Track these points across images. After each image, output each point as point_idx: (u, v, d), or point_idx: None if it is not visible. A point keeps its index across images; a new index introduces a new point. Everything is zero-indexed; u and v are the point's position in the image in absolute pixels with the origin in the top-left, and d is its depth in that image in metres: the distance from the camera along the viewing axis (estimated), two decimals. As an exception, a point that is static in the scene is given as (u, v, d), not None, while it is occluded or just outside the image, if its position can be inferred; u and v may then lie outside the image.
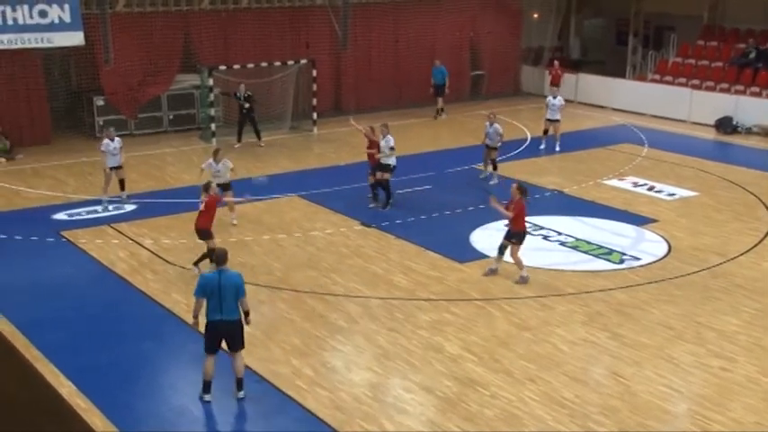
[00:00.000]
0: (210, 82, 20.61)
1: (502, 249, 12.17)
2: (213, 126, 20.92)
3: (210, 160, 14.37)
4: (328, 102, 24.07)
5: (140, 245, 13.52)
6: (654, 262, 12.96)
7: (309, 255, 13.37)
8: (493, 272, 12.22)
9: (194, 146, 20.80)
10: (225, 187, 14.14)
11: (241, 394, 8.91)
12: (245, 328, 8.86)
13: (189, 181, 17.40)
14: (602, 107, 25.30)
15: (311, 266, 12.84)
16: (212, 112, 20.91)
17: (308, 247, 13.76)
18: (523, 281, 11.95)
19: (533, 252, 13.25)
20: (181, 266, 12.72)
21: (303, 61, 22.10)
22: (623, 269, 12.68)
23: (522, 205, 11.85)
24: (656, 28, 27.53)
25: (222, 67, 20.91)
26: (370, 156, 15.70)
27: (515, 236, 12.00)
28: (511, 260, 12.09)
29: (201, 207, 11.90)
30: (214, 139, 20.85)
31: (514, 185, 12.12)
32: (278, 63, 21.80)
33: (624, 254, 13.24)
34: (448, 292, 11.84)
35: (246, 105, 20.07)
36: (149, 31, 21.22)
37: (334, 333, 10.52)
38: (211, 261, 10.66)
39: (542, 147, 20.24)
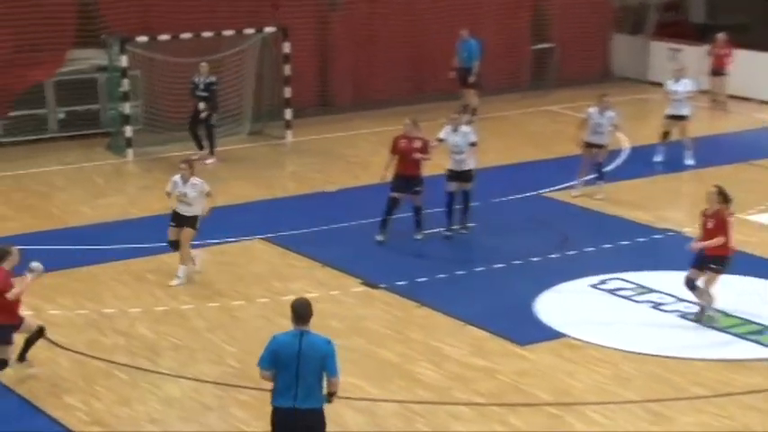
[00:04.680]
0: (124, 61, 20.82)
1: (692, 283, 13.20)
2: (129, 130, 21.12)
3: (177, 177, 14.62)
4: (309, 93, 24.33)
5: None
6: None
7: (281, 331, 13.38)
8: (702, 316, 13.32)
9: (98, 161, 20.87)
10: (186, 222, 14.52)
11: None
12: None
13: (93, 217, 17.45)
14: (744, 98, 25.37)
15: (285, 351, 12.86)
16: (127, 108, 21.12)
17: (279, 319, 13.63)
18: (710, 322, 13.18)
19: (637, 328, 13.10)
20: (77, 351, 12.71)
21: (269, 29, 22.34)
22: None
23: (727, 219, 12.95)
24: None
25: (141, 39, 21.19)
26: (410, 164, 15.96)
27: (717, 262, 12.96)
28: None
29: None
30: (129, 151, 21.04)
31: (713, 190, 13.09)
32: (229, 32, 22.07)
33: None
34: (501, 392, 11.76)
35: (201, 103, 20.25)
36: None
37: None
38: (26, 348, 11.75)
39: (658, 159, 20.40)
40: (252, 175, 20.10)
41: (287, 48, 22.26)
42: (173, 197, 14.74)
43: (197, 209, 14.64)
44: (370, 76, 25.01)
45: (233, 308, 14.03)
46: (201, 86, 20.36)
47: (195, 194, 14.55)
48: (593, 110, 18.15)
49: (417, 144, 16.10)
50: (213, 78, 20.52)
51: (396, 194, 16.14)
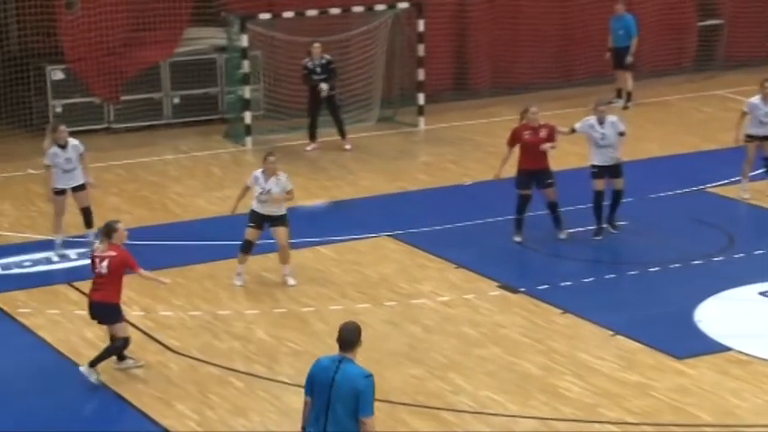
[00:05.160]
0: (244, 41, 21.15)
1: None
2: (248, 116, 21.47)
3: (258, 172, 14.75)
4: (445, 75, 24.34)
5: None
6: None
7: (411, 339, 13.42)
8: None
9: (217, 149, 21.26)
10: (275, 222, 14.59)
11: None
12: None
13: (209, 211, 17.80)
14: None
15: (414, 360, 12.88)
16: (247, 92, 21.45)
17: (408, 325, 13.81)
18: None
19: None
20: (190, 356, 13.00)
21: (402, 5, 22.42)
22: None
23: None
24: None
25: (264, 16, 21.49)
26: (538, 157, 15.91)
27: None
28: None
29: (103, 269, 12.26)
30: (248, 139, 21.38)
31: None
32: (359, 8, 22.22)
33: None
34: (656, 411, 11.64)
35: (324, 84, 20.45)
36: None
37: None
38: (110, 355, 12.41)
39: None
40: (380, 166, 20.22)
41: (421, 26, 22.29)
42: (251, 193, 14.71)
43: (284, 207, 14.65)
44: (513, 57, 24.85)
45: (357, 311, 14.10)
46: (318, 69, 20.51)
47: (278, 191, 14.55)
48: (755, 100, 17.72)
49: (543, 133, 15.97)
50: (329, 57, 20.70)
51: (526, 191, 16.07)
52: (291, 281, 14.89)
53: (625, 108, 22.96)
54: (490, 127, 22.35)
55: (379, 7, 22.33)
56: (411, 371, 12.62)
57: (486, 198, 18.14)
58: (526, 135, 16.04)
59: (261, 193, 14.55)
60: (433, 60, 23.10)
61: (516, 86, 24.54)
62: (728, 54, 26.47)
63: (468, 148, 21.12)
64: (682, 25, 26.03)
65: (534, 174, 16.01)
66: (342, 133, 21.09)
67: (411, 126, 22.54)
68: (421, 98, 22.58)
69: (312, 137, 21.04)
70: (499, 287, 14.79)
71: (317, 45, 20.61)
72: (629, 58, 23.20)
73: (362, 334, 8.89)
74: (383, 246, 16.33)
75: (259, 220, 14.63)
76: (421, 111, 22.60)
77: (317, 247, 15.94)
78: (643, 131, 21.08)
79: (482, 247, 16.17)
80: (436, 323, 13.85)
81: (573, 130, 16.37)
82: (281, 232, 14.65)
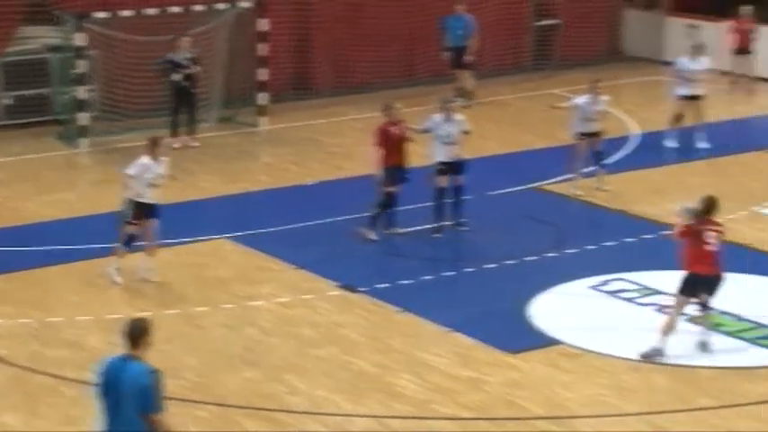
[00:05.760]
0: (80, 40, 20.80)
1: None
2: (83, 118, 21.11)
3: (146, 159, 14.71)
4: (287, 75, 24.33)
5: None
6: None
7: (248, 342, 13.35)
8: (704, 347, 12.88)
9: (49, 152, 20.84)
10: (150, 212, 14.66)
11: None
12: None
13: (40, 215, 17.44)
14: (765, 79, 25.40)
15: (250, 362, 12.82)
16: (81, 92, 21.11)
17: (246, 328, 13.75)
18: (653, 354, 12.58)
19: (641, 334, 13.14)
20: (18, 365, 12.69)
21: (244, 4, 22.34)
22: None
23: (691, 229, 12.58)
24: None
25: (100, 15, 21.14)
26: (403, 152, 16.13)
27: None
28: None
29: None
30: (83, 141, 21.01)
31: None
32: (198, 7, 22.07)
33: (801, 337, 13.26)
34: (489, 406, 11.78)
35: (184, 79, 20.52)
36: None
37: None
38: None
39: (671, 144, 20.59)
40: (220, 167, 20.09)
41: (263, 24, 22.25)
42: (139, 183, 14.70)
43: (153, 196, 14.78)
44: (355, 56, 24.95)
45: (195, 315, 14.02)
46: (185, 63, 20.61)
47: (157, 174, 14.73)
48: (581, 99, 18.18)
49: (403, 128, 16.21)
50: (194, 54, 20.86)
51: (395, 188, 16.19)
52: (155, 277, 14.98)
53: (466, 107, 23.23)
54: (333, 127, 22.46)
55: (221, 6, 22.19)
56: (247, 373, 12.56)
57: (329, 198, 18.21)
58: (394, 131, 16.16)
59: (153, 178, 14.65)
60: (275, 60, 23.04)
61: (359, 86, 24.64)
62: (564, 54, 27.02)
63: (310, 149, 21.14)
64: (519, 25, 26.52)
65: (401, 169, 16.17)
66: (193, 130, 21.06)
67: (252, 126, 22.45)
68: (262, 98, 22.51)
69: (175, 133, 20.90)
70: (339, 287, 14.81)
71: (186, 38, 20.72)
72: (469, 58, 23.51)
73: (150, 331, 8.80)
74: (222, 248, 16.23)
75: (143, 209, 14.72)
76: (262, 111, 22.54)
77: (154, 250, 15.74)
78: (482, 130, 21.32)
79: (323, 248, 16.19)
80: (274, 325, 13.82)
81: (425, 131, 16.49)
82: (155, 223, 14.75)
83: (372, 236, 16.30)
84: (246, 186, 19.12)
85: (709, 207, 12.67)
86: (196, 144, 21.02)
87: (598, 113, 18.17)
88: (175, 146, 20.58)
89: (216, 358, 12.86)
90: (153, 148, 14.83)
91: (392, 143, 16.19)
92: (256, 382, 12.37)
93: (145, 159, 14.76)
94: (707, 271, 12.53)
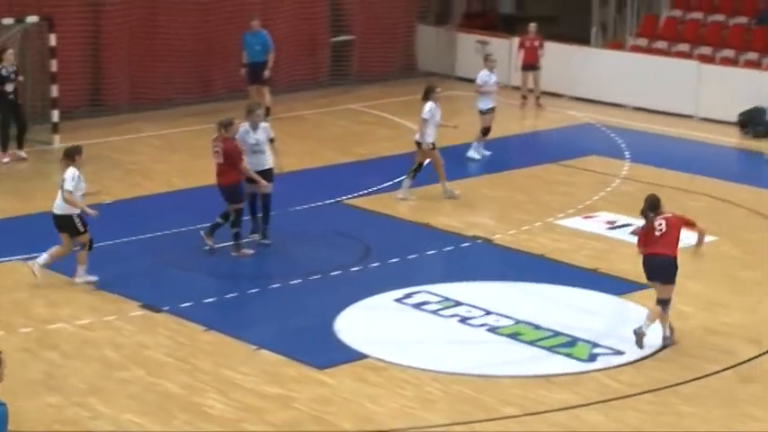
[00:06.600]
0: None
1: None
2: None
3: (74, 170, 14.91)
4: (80, 91, 23.98)
5: None
6: (646, 357, 13.27)
7: (48, 366, 13.10)
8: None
9: None
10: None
11: None
12: None
13: None
14: (554, 94, 26.20)
15: (51, 388, 12.57)
16: None
17: (45, 352, 13.46)
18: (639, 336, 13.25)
19: (443, 345, 13.41)
20: None
21: (31, 19, 21.92)
22: (595, 371, 12.95)
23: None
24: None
25: None
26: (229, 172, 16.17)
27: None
28: None
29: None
30: None
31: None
32: (-16, 23, 21.57)
33: (596, 344, 13.53)
34: (298, 422, 11.82)
35: (10, 90, 20.33)
36: None
37: None
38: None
39: (475, 156, 21.18)
40: (11, 187, 19.65)
41: (52, 40, 21.88)
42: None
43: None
44: (150, 72, 24.76)
45: (-10, 339, 13.65)
46: (13, 76, 20.52)
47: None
48: (430, 106, 18.55)
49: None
50: (16, 66, 20.73)
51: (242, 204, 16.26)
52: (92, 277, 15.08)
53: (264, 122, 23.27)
54: (130, 144, 22.19)
55: (7, 21, 21.72)
56: (48, 399, 12.27)
57: (128, 216, 17.96)
58: (239, 144, 16.15)
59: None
60: (67, 76, 22.70)
61: (155, 102, 24.44)
62: (361, 69, 27.41)
63: (106, 166, 20.76)
64: (315, 41, 26.77)
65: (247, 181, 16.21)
66: (21, 143, 20.95)
67: (45, 144, 21.99)
68: (55, 115, 22.11)
69: (5, 147, 20.67)
70: (141, 307, 14.65)
71: (10, 51, 20.46)
72: (267, 73, 23.58)
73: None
74: (17, 270, 15.78)
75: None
76: (56, 128, 22.12)
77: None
78: (281, 145, 21.36)
79: (123, 267, 15.98)
80: (75, 348, 13.56)
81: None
82: None
83: (211, 243, 16.29)
84: (41, 207, 18.58)
85: (652, 205, 13.23)
86: (25, 155, 20.88)
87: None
88: (5, 160, 20.16)
89: (15, 385, 12.49)
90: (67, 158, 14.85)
91: (238, 157, 16.15)
92: (58, 407, 12.09)
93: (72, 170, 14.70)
94: (655, 252, 13.12)
